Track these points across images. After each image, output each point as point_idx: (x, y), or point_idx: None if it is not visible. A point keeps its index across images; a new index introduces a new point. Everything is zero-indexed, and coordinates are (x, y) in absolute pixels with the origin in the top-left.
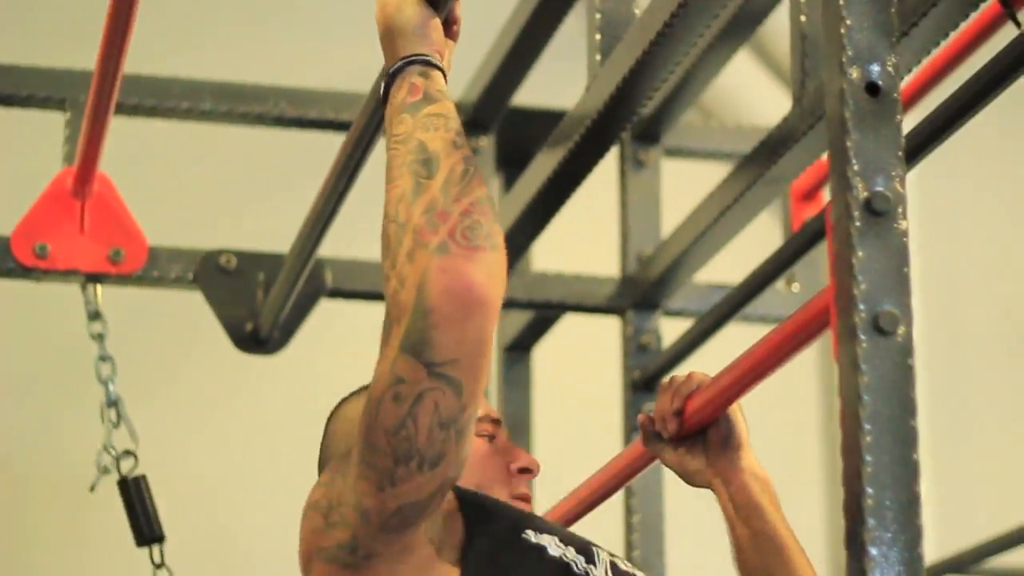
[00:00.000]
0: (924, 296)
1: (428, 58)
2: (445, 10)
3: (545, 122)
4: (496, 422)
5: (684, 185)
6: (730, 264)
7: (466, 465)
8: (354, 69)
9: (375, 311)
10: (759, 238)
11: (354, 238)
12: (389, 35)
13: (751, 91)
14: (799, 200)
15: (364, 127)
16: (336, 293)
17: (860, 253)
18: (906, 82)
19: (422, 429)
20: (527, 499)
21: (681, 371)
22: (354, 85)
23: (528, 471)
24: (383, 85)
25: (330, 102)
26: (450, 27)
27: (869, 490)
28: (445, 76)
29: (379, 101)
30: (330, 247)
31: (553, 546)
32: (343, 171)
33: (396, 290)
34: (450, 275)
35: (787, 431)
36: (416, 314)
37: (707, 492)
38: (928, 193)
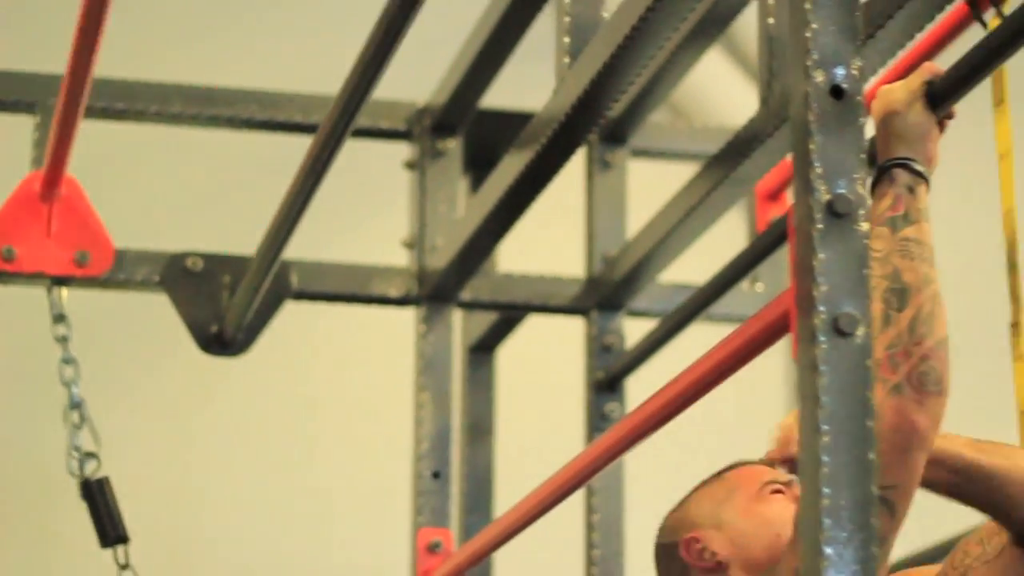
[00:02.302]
0: None
1: (919, 168)
2: (943, 113)
3: (513, 124)
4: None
5: (652, 186)
6: (696, 265)
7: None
8: (322, 72)
9: (340, 313)
10: (725, 239)
11: (320, 240)
12: (887, 129)
13: (725, 90)
14: (765, 200)
15: (331, 130)
16: (301, 295)
17: (821, 255)
18: (873, 84)
19: None
20: None
21: (644, 372)
22: (323, 87)
23: None
24: (875, 173)
25: (298, 105)
26: (943, 121)
27: (826, 490)
28: (928, 187)
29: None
30: (296, 249)
31: None
32: (310, 173)
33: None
34: (900, 416)
35: (753, 432)
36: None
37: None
38: None
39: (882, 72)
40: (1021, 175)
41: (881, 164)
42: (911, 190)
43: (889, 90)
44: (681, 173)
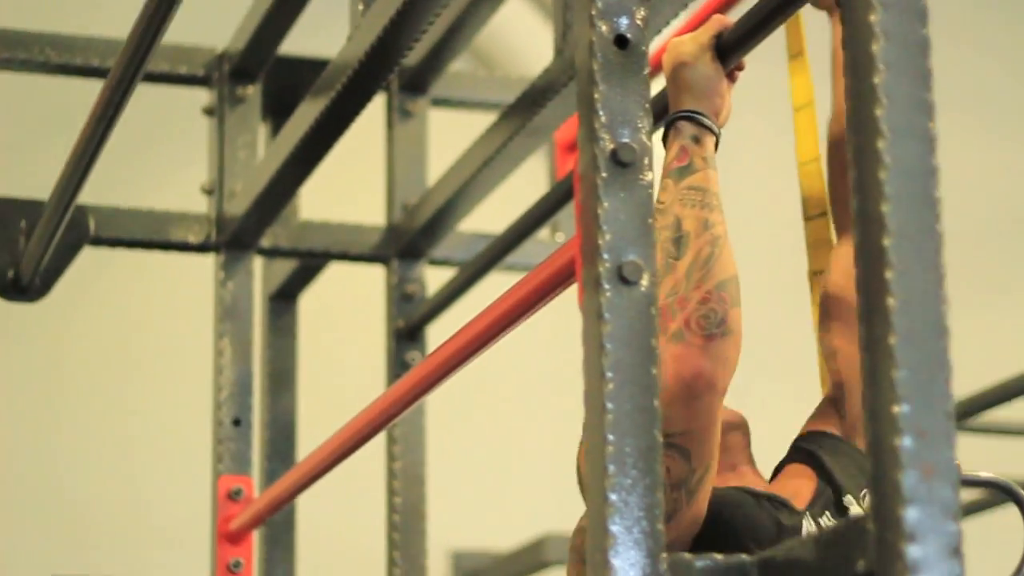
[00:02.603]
0: None
1: (704, 120)
2: (732, 64)
3: (311, 71)
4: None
5: (455, 135)
6: (501, 214)
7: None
8: (118, 16)
9: (142, 259)
10: (528, 188)
11: (120, 186)
12: (676, 82)
13: (531, 40)
14: (564, 151)
15: (122, 74)
16: (99, 241)
17: (605, 204)
18: (671, 32)
19: None
20: None
21: (447, 321)
22: (118, 31)
23: None
24: (664, 126)
25: (95, 49)
26: (733, 72)
27: (610, 437)
28: (718, 140)
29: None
30: (97, 195)
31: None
32: (101, 118)
33: None
34: (681, 363)
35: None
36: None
37: (468, 439)
38: None
39: (675, 24)
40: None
41: (668, 117)
42: (696, 140)
43: (679, 43)
44: (483, 122)
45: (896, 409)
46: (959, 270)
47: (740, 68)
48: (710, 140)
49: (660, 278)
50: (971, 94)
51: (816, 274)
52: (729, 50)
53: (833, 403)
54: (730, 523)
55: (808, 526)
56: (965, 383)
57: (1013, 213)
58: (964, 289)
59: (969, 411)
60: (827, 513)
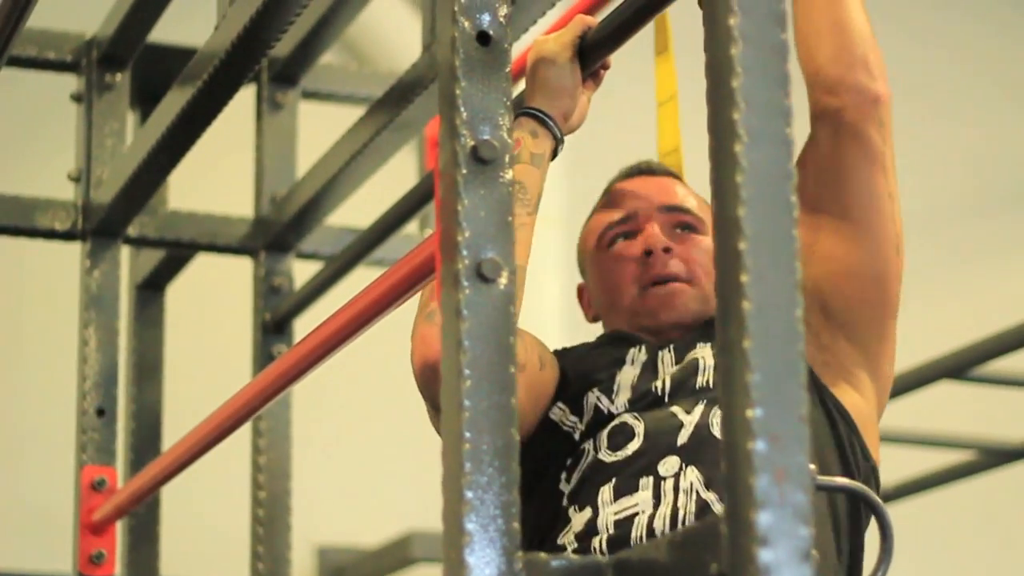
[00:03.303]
0: (571, 232)
1: (547, 120)
2: (596, 65)
3: (180, 59)
4: None
5: (326, 129)
6: (372, 209)
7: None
8: None
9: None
10: (399, 182)
11: None
12: (532, 79)
13: (406, 34)
14: (434, 146)
15: None
16: None
17: (465, 201)
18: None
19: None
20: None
21: (314, 314)
22: None
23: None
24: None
25: None
26: (598, 72)
27: (467, 434)
28: (559, 143)
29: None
30: None
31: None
32: None
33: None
34: (426, 344)
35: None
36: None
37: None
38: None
39: (543, 22)
40: (692, 121)
41: (516, 112)
42: (534, 135)
43: (542, 42)
44: (353, 116)
45: (750, 413)
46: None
47: (605, 67)
48: (547, 140)
49: None
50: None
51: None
52: (592, 50)
53: None
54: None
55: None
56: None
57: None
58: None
59: (973, 361)
60: None
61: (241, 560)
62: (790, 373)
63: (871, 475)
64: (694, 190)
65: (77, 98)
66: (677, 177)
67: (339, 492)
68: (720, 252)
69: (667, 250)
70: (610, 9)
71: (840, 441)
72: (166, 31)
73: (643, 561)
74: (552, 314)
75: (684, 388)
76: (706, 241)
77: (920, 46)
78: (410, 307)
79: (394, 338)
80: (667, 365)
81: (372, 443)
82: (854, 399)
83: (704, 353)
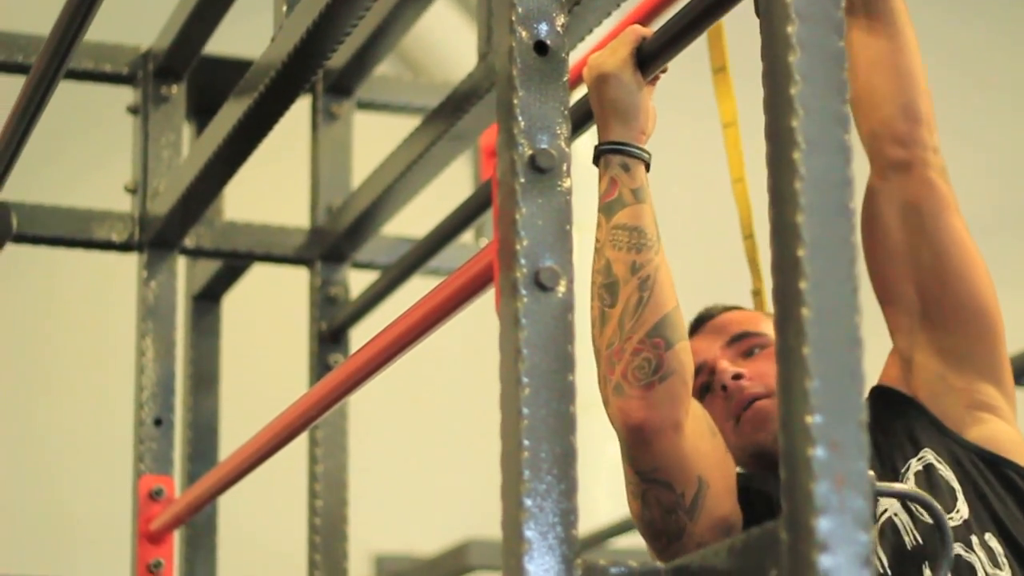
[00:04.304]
0: None
1: (631, 150)
2: (652, 74)
3: (236, 71)
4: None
5: (381, 139)
6: (428, 219)
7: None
8: (43, 12)
9: (63, 256)
10: (454, 192)
11: (42, 183)
12: (599, 102)
13: (459, 45)
14: (489, 155)
15: (43, 71)
16: (22, 238)
17: (524, 209)
18: (596, 39)
19: (656, 517)
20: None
21: (370, 324)
22: (42, 28)
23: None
24: (593, 154)
25: (18, 44)
26: (656, 77)
27: (526, 442)
28: (649, 162)
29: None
30: (22, 193)
31: None
32: (24, 114)
33: (604, 402)
34: (625, 414)
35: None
36: (617, 435)
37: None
38: None
39: (599, 32)
40: (753, 146)
41: (597, 146)
42: (626, 168)
43: (598, 58)
44: (408, 126)
45: (809, 419)
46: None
47: (664, 71)
48: (639, 168)
49: (598, 327)
50: None
51: (756, 293)
52: (649, 60)
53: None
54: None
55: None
56: None
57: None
58: None
59: None
60: None
61: (298, 569)
62: (849, 379)
63: None
64: (756, 312)
65: (133, 110)
66: (739, 307)
67: (396, 501)
68: (778, 259)
69: (737, 376)
70: (664, 18)
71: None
72: (222, 43)
73: (703, 568)
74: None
75: (903, 559)
76: None
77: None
78: (468, 315)
79: (451, 347)
80: (905, 524)
81: (429, 452)
82: (1003, 428)
83: (885, 504)
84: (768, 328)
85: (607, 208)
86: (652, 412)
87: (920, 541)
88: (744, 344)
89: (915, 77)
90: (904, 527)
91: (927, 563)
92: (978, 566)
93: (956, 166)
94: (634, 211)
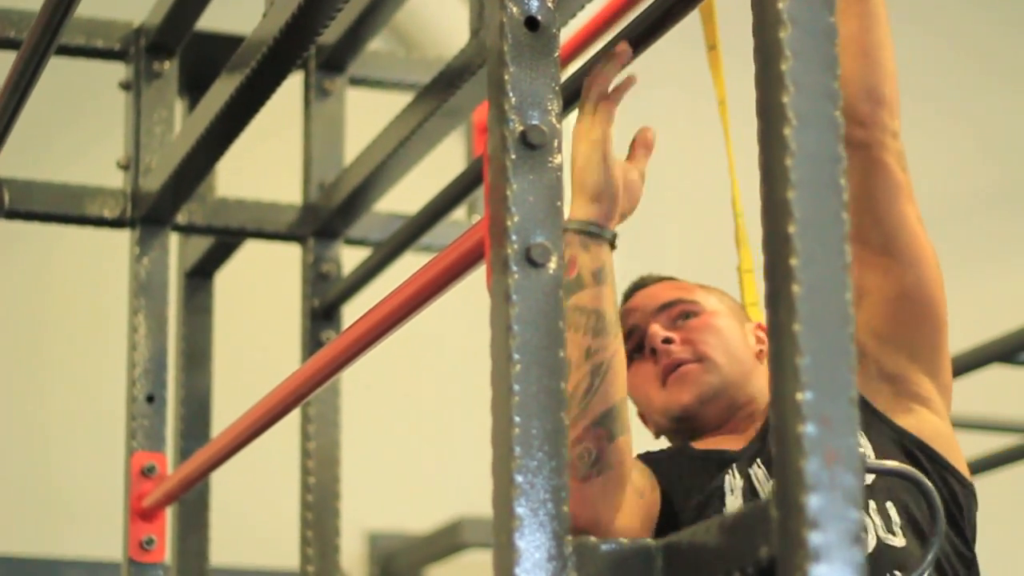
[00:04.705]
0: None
1: (592, 229)
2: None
3: (228, 47)
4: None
5: (374, 115)
6: (420, 196)
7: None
8: None
9: (55, 232)
10: (447, 169)
11: (34, 160)
12: (572, 174)
13: (450, 20)
14: (481, 132)
15: (35, 46)
16: (13, 214)
17: (515, 186)
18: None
19: None
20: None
21: (362, 301)
22: (32, 3)
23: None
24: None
25: (9, 20)
26: (637, 151)
27: (517, 419)
28: (614, 240)
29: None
30: (14, 169)
31: None
32: (15, 90)
33: None
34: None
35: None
36: None
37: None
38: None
39: (590, 8)
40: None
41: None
42: (586, 248)
43: (577, 129)
44: (401, 102)
45: (800, 396)
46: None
47: (632, 83)
48: (602, 248)
49: None
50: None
51: (745, 272)
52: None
53: None
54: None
55: (730, 479)
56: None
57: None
58: None
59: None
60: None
61: (290, 546)
62: (840, 356)
63: (971, 496)
64: (690, 283)
65: (125, 86)
66: (670, 279)
67: (389, 478)
68: (769, 235)
69: (667, 340)
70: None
71: (944, 496)
72: (214, 19)
73: (693, 544)
74: None
75: None
76: (709, 319)
77: (922, 39)
78: (460, 292)
79: (443, 323)
80: (763, 483)
81: (421, 429)
82: (931, 421)
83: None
84: (701, 298)
85: (566, 288)
86: (584, 509)
87: None
88: (676, 310)
89: (882, 58)
90: (760, 484)
91: None
92: (871, 528)
93: (952, 144)
94: (594, 294)
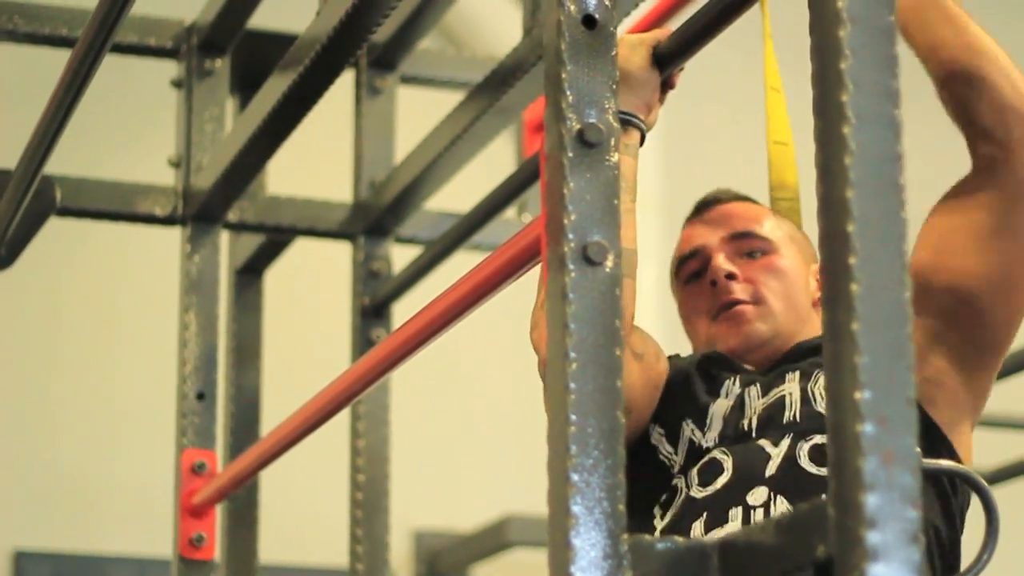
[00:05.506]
0: (667, 220)
1: (626, 115)
2: (668, 73)
3: (280, 45)
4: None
5: (425, 113)
6: (471, 194)
7: None
8: None
9: (107, 230)
10: (496, 167)
11: (86, 157)
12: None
13: (503, 20)
14: (532, 131)
15: (89, 44)
16: (65, 212)
17: (571, 184)
18: (644, 11)
19: None
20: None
21: (413, 299)
22: (86, 2)
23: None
24: None
25: (63, 18)
26: (666, 90)
27: (573, 417)
28: (644, 135)
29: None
30: (67, 166)
31: None
32: (69, 88)
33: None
34: (541, 345)
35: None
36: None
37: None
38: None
39: (644, 7)
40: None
41: None
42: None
43: (625, 37)
44: (452, 101)
45: (858, 395)
46: None
47: (672, 86)
48: (633, 132)
49: None
50: None
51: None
52: (666, 60)
53: None
54: None
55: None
56: None
57: None
58: None
59: None
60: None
61: (339, 543)
62: (898, 355)
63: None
64: (764, 209)
65: (177, 84)
66: (750, 200)
67: (436, 476)
68: (827, 234)
69: (731, 276)
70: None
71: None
72: (266, 17)
73: (749, 543)
74: (648, 302)
75: (772, 423)
76: (777, 261)
77: None
78: (513, 290)
79: (494, 322)
80: (754, 400)
81: (469, 428)
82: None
83: (792, 388)
84: (772, 233)
85: None
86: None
87: (796, 419)
88: (745, 244)
89: (985, 62)
90: (790, 402)
91: (791, 435)
92: (771, 451)
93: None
94: (620, 158)
